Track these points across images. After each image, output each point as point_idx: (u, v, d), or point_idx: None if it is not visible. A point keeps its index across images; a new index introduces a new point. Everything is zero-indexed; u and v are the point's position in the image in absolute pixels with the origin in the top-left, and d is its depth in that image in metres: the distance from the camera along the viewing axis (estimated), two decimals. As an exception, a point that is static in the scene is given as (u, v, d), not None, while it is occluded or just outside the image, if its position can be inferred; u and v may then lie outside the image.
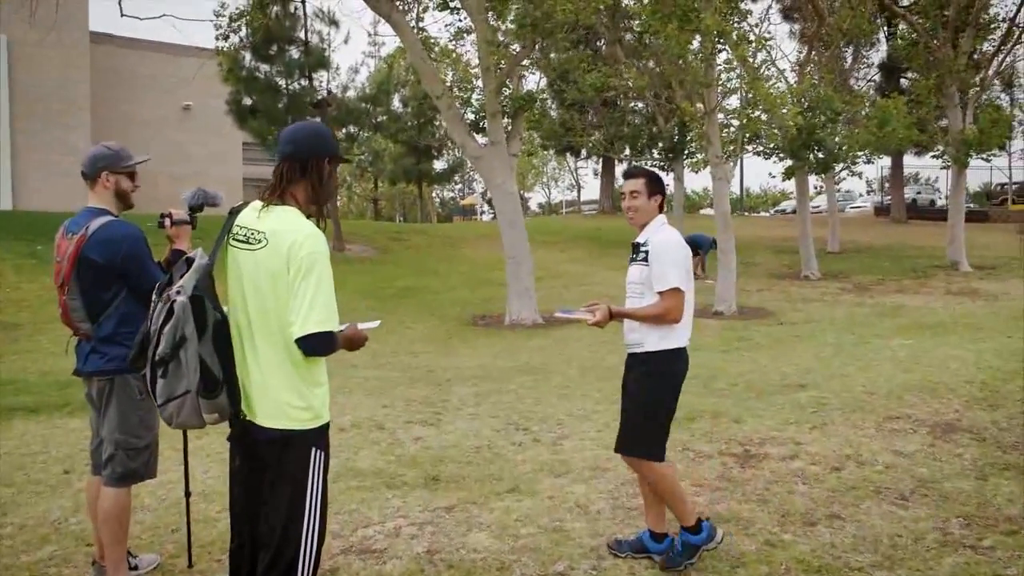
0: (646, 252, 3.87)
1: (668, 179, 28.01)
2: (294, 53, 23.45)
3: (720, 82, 15.86)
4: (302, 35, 23.35)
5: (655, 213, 3.99)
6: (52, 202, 22.85)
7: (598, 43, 30.36)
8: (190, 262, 2.74)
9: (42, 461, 5.92)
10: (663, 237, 3.88)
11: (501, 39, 14.38)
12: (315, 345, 2.63)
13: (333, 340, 2.69)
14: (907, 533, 4.23)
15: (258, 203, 2.78)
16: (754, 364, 9.58)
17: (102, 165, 3.67)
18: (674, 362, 3.90)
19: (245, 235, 2.73)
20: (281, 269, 2.63)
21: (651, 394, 3.92)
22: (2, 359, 10.88)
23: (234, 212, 2.83)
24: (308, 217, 2.78)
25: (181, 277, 2.72)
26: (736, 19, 15.15)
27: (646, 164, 23.29)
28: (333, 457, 5.76)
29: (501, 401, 7.77)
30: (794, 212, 42.49)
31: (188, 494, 3.88)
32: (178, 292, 2.64)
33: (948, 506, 4.63)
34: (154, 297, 2.73)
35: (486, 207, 62.43)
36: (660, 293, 3.79)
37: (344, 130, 25.39)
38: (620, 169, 46.08)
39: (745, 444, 6.00)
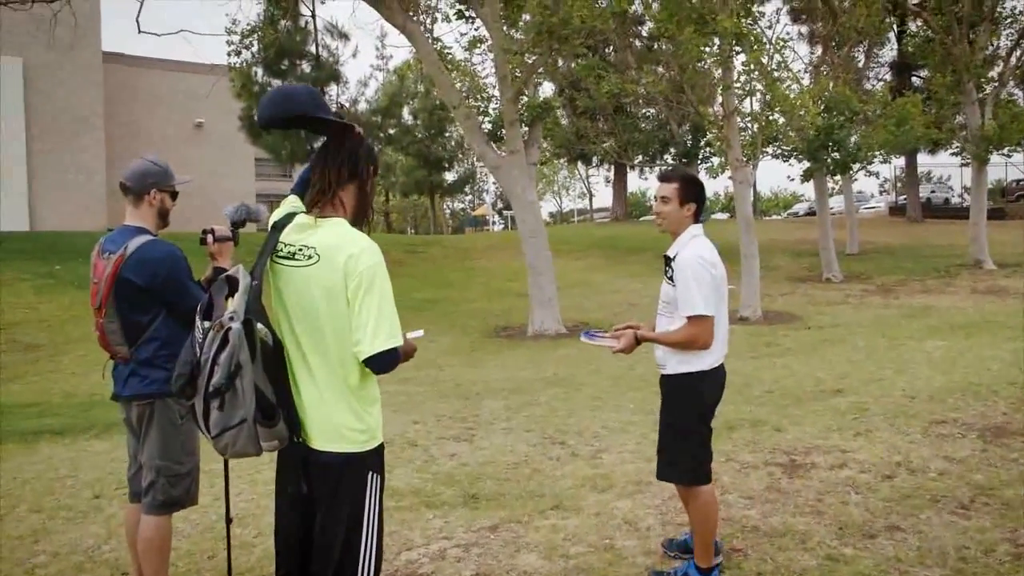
0: (673, 270, 3.61)
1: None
2: (305, 67, 23.52)
3: (738, 85, 15.71)
4: (313, 49, 23.39)
5: (687, 223, 3.68)
6: (67, 221, 22.94)
7: (607, 50, 30.34)
8: (231, 281, 2.60)
9: (71, 486, 5.81)
10: (690, 254, 3.57)
11: (517, 48, 14.27)
12: (384, 363, 2.52)
13: (398, 355, 2.58)
14: (975, 545, 4.05)
15: (305, 217, 2.64)
16: (787, 370, 9.41)
17: (152, 181, 3.54)
18: (697, 385, 3.65)
19: (291, 251, 2.59)
20: (338, 285, 2.49)
21: (676, 418, 3.72)
22: (24, 380, 10.84)
23: (277, 227, 2.68)
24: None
25: (224, 298, 2.59)
26: (750, 21, 15.03)
27: (661, 169, 23.19)
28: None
29: (534, 414, 7.62)
30: (808, 215, 42.38)
31: (229, 520, 3.75)
32: (231, 318, 2.49)
33: (1013, 515, 4.44)
34: (199, 321, 2.57)
35: (497, 217, 62.40)
36: (687, 318, 3.54)
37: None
38: (633, 176, 46.01)
39: (790, 453, 5.83)
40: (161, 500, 3.45)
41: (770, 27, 17.83)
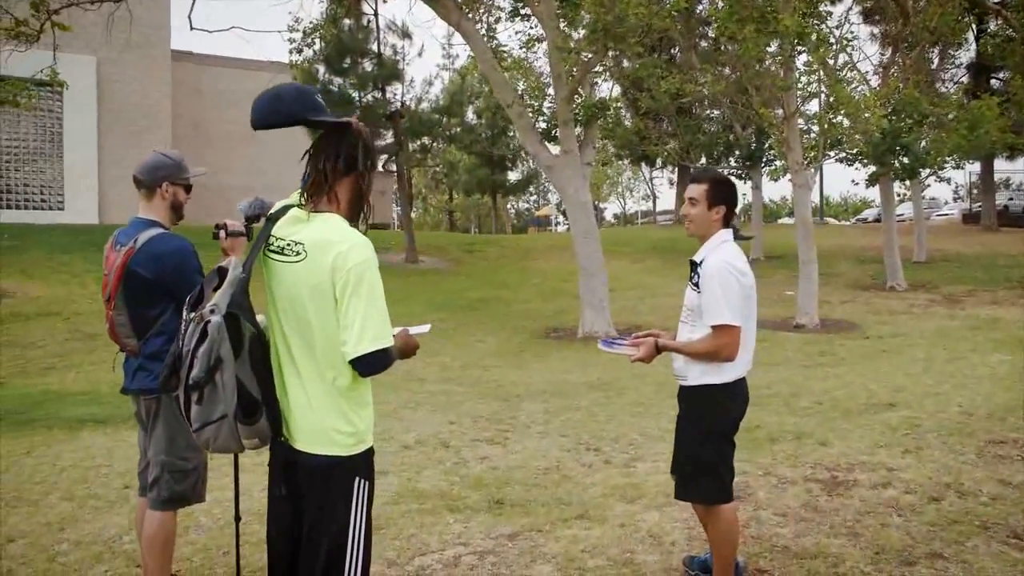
0: (699, 275, 3.40)
1: (746, 187, 27.35)
2: (367, 66, 23.66)
3: (800, 86, 15.29)
4: (375, 47, 23.54)
5: (715, 227, 3.48)
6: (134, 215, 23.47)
7: (672, 50, 29.91)
8: (221, 273, 2.52)
9: (104, 475, 5.87)
10: (718, 260, 3.37)
11: (572, 46, 14.10)
12: (372, 364, 2.41)
13: (389, 357, 2.45)
14: (1022, 577, 3.79)
15: (298, 211, 2.55)
16: (839, 381, 9.07)
17: (163, 175, 3.52)
18: (721, 399, 3.45)
19: (281, 246, 2.50)
20: (325, 283, 2.39)
21: (697, 433, 3.50)
22: (79, 368, 11.07)
23: (272, 219, 2.60)
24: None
25: (213, 290, 2.51)
26: (815, 21, 14.59)
27: (723, 171, 22.78)
28: (396, 476, 5.58)
29: (572, 419, 7.47)
30: (876, 221, 41.26)
31: (238, 518, 3.70)
32: (212, 311, 2.41)
33: (1068, 546, 4.16)
34: (185, 313, 2.51)
35: (561, 218, 62.21)
36: (712, 328, 3.34)
37: (418, 142, 25.50)
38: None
39: (832, 469, 5.57)
40: (166, 496, 3.42)
41: (838, 27, 17.25)
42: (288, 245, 2.48)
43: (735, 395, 3.46)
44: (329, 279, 2.39)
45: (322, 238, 2.43)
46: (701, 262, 3.43)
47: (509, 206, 69.61)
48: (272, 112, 2.52)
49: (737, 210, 3.65)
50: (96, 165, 25.04)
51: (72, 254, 17.70)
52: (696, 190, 3.50)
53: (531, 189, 61.12)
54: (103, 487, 5.58)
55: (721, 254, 3.40)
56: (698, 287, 3.40)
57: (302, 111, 2.51)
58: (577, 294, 14.89)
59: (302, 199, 2.55)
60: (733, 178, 4.04)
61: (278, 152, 30.49)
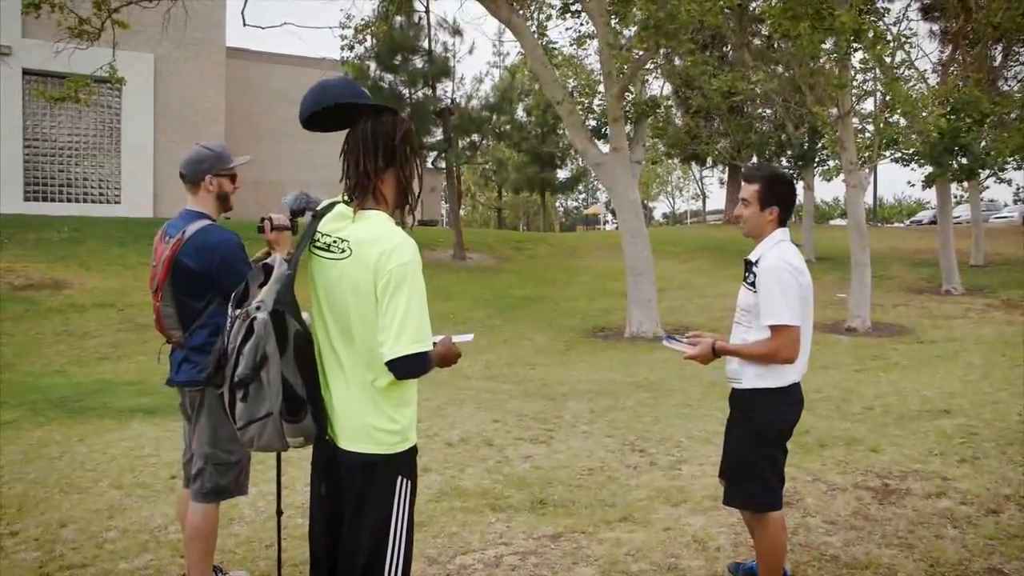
0: (755, 275, 3.30)
1: (798, 188, 26.89)
2: (418, 63, 23.75)
3: (855, 84, 14.97)
4: (426, 44, 23.62)
5: (770, 228, 3.38)
6: (188, 210, 23.87)
7: (724, 48, 29.53)
8: (267, 269, 2.51)
9: (152, 464, 5.96)
10: (775, 259, 3.27)
11: (623, 43, 13.99)
12: (408, 368, 2.36)
13: (427, 361, 2.40)
14: (1085, 595, 3.64)
15: (344, 208, 2.53)
16: (891, 386, 8.85)
17: (206, 167, 3.54)
18: (776, 403, 3.34)
19: (327, 243, 2.48)
20: (367, 283, 2.36)
21: (750, 438, 3.39)
22: (132, 359, 11.28)
23: (318, 215, 2.58)
24: (397, 223, 2.51)
25: (258, 287, 2.50)
26: (872, 18, 14.27)
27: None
28: (438, 474, 5.57)
29: (617, 419, 7.39)
30: (932, 223, 40.29)
31: (280, 512, 3.70)
32: (258, 308, 2.41)
33: None
34: (231, 310, 2.51)
35: (610, 217, 61.90)
36: (771, 328, 3.24)
37: (467, 139, 25.55)
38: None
39: (884, 477, 5.43)
40: (209, 488, 3.43)
41: (895, 23, 16.85)
42: (334, 242, 2.46)
43: (790, 400, 3.36)
44: (372, 278, 2.36)
45: (367, 236, 2.41)
46: (757, 261, 3.34)
47: (558, 204, 69.46)
48: (318, 101, 2.51)
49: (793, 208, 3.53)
50: (152, 160, 25.50)
51: (127, 247, 18.04)
52: (748, 190, 3.40)
53: (580, 187, 60.85)
54: (151, 477, 5.66)
55: (779, 253, 3.30)
56: (754, 287, 3.30)
57: (349, 95, 2.50)
58: (624, 293, 14.78)
59: (346, 197, 2.54)
60: (783, 171, 3.89)
61: (330, 148, 30.88)
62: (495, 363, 11.27)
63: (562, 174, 47.83)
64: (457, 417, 7.40)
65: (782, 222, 3.42)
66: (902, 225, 51.87)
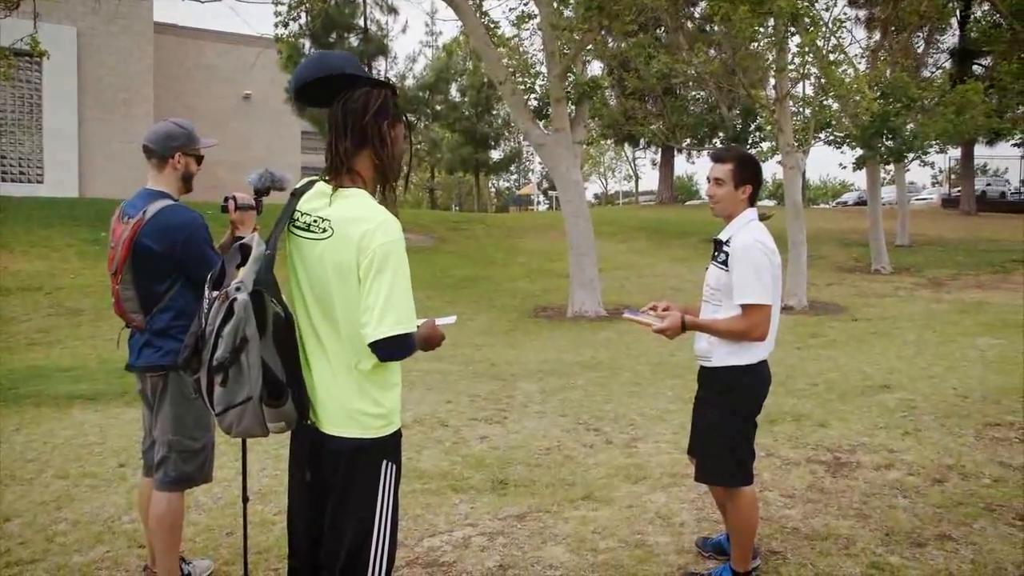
0: (727, 254, 3.34)
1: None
2: (353, 41, 23.40)
3: (792, 68, 15.23)
4: (361, 22, 23.26)
5: (742, 206, 3.43)
6: (115, 190, 23.13)
7: (658, 30, 29.77)
8: (244, 249, 2.41)
9: (98, 453, 5.77)
10: (748, 239, 3.31)
11: (565, 23, 13.96)
12: (392, 349, 2.30)
13: (411, 342, 2.35)
14: (1034, 560, 3.79)
15: (323, 186, 2.45)
16: (832, 363, 9.09)
17: (177, 145, 3.40)
18: (746, 380, 3.40)
19: (307, 222, 2.40)
20: (350, 263, 2.30)
21: (721, 416, 3.44)
22: (65, 344, 10.92)
23: (296, 194, 2.49)
24: (380, 202, 2.45)
25: (236, 268, 2.41)
26: (807, 3, 14.53)
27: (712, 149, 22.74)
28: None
29: (569, 398, 7.43)
30: (857, 204, 41.42)
31: (246, 499, 3.61)
32: (237, 288, 2.31)
33: (1075, 529, 4.16)
34: (207, 292, 2.41)
35: (542, 197, 62.07)
36: (742, 307, 3.28)
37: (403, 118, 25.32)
38: (680, 159, 45.40)
39: (834, 451, 5.57)
40: (173, 476, 3.33)
41: (827, 9, 17.19)
42: (315, 221, 2.38)
43: (760, 376, 3.42)
44: (355, 258, 2.29)
45: (349, 215, 2.33)
46: (728, 240, 3.37)
47: (491, 185, 69.34)
48: (318, 68, 2.41)
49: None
50: (76, 138, 24.63)
51: (52, 228, 17.39)
52: (721, 170, 3.43)
53: (513, 168, 60.88)
54: (98, 465, 5.47)
55: (751, 232, 3.35)
56: (725, 265, 3.33)
57: (348, 67, 2.42)
58: (564, 273, 14.86)
59: (326, 174, 2.46)
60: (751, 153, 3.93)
61: (263, 128, 30.24)
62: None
63: (496, 154, 47.77)
64: (409, 399, 7.34)
65: (752, 201, 3.46)
66: (828, 206, 53.23)
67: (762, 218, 3.50)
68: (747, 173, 3.41)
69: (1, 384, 8.34)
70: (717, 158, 3.51)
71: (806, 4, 14.21)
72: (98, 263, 15.17)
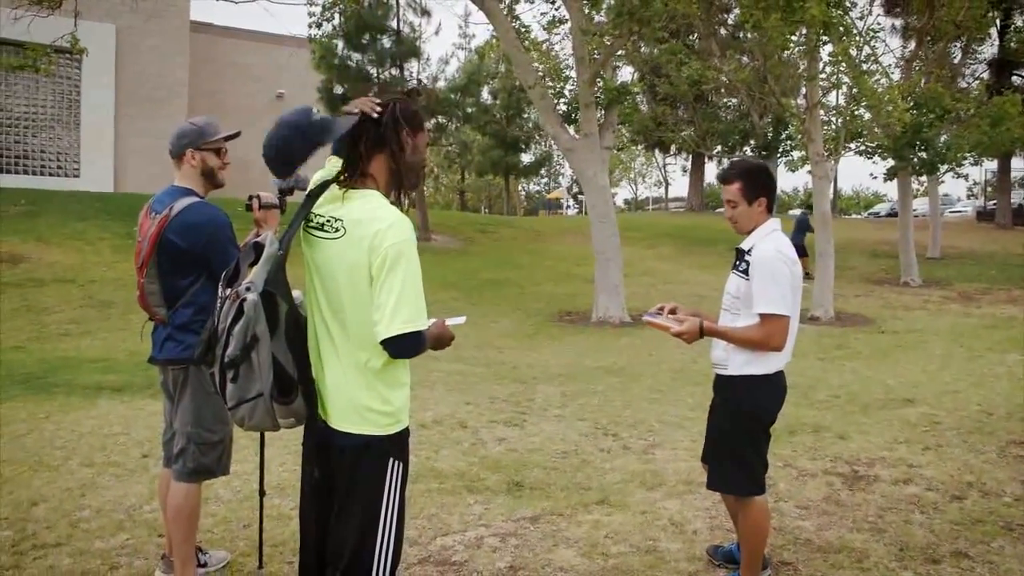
0: (748, 263, 3.34)
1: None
2: (386, 42, 23.54)
3: (823, 76, 15.13)
4: (394, 24, 23.40)
5: (762, 218, 3.42)
6: (149, 186, 23.42)
7: (691, 36, 29.68)
8: (258, 248, 2.48)
9: (122, 443, 5.88)
10: (768, 248, 3.31)
11: (596, 29, 13.97)
12: (403, 347, 2.35)
13: (422, 340, 2.40)
14: (1050, 579, 3.76)
15: (338, 187, 2.50)
16: (855, 375, 9.02)
17: (186, 142, 3.48)
18: (761, 390, 3.40)
19: (321, 222, 2.46)
20: (361, 262, 2.35)
21: (736, 424, 3.45)
22: (95, 336, 11.10)
23: (312, 195, 2.55)
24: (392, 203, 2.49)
25: (249, 266, 2.47)
26: (840, 11, 14.43)
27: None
28: (414, 455, 5.53)
29: (588, 403, 7.45)
30: (889, 216, 40.99)
31: (263, 493, 3.68)
32: (248, 288, 2.37)
33: (1095, 550, 4.12)
34: (220, 290, 2.48)
35: (571, 201, 62.02)
36: (761, 316, 3.28)
37: (434, 120, 25.43)
38: (711, 166, 45.20)
39: (852, 463, 5.55)
40: (191, 467, 3.40)
41: (861, 18, 17.05)
42: (328, 221, 2.43)
43: (776, 387, 3.42)
44: (366, 258, 2.34)
45: (361, 215, 2.39)
46: (750, 250, 3.38)
47: (520, 188, 69.40)
48: (288, 158, 2.48)
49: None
50: (113, 134, 24.99)
51: (87, 221, 17.69)
52: (731, 191, 3.43)
53: (543, 172, 60.88)
54: (122, 455, 5.58)
55: (773, 242, 3.35)
56: (746, 274, 3.34)
57: (319, 138, 2.43)
58: (590, 278, 14.86)
59: (340, 175, 2.51)
60: (756, 160, 3.90)
61: (293, 126, 30.43)
62: (463, 345, 11.25)
63: (526, 158, 47.75)
64: (429, 399, 7.40)
65: (770, 210, 3.46)
66: (860, 217, 52.71)
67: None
68: (756, 186, 3.41)
69: (33, 373, 8.51)
70: (723, 179, 3.50)
71: (839, 13, 14.12)
72: (130, 257, 15.35)
